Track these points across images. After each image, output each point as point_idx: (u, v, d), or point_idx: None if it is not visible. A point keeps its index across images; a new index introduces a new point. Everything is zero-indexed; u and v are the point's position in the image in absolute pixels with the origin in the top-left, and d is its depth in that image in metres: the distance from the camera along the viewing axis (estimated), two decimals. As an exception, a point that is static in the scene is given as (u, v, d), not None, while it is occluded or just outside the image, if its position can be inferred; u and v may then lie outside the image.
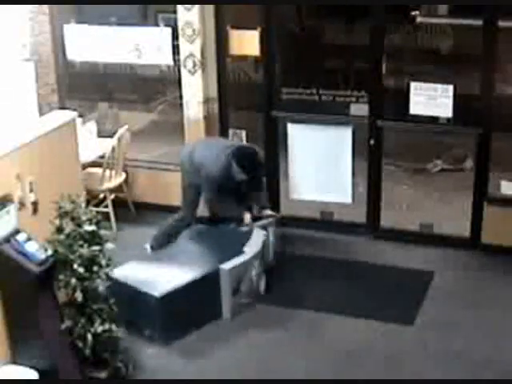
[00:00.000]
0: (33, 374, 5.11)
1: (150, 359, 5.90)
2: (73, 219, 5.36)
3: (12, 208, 5.27)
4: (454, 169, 8.72)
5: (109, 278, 5.62)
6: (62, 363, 5.28)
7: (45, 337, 5.23)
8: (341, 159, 7.49)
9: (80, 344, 5.34)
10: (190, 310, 6.10)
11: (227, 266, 6.27)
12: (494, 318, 6.30)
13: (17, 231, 5.26)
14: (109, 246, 5.49)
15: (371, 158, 7.46)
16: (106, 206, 7.68)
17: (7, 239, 5.19)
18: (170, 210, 8.04)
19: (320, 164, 7.62)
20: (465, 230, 7.35)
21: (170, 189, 8.08)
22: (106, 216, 7.40)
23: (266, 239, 6.71)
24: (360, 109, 7.31)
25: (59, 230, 5.35)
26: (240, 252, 6.45)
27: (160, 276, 6.27)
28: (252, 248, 6.53)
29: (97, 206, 7.60)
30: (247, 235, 6.67)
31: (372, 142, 7.38)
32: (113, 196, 7.91)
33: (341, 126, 7.43)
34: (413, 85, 7.14)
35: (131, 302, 6.05)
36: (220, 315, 6.33)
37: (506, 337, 6.07)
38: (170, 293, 6.01)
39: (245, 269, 6.38)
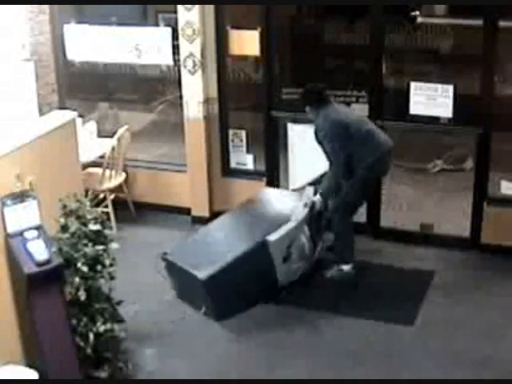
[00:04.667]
0: (33, 374, 5.11)
1: (149, 359, 5.90)
2: (78, 218, 5.37)
3: (32, 203, 5.27)
4: (454, 169, 8.72)
5: (164, 259, 5.97)
6: (60, 364, 5.28)
7: (40, 337, 5.22)
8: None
9: (81, 343, 5.35)
10: (242, 284, 6.22)
11: (273, 236, 6.35)
12: (493, 318, 6.30)
13: (37, 227, 5.26)
14: (113, 245, 5.50)
15: None
16: (106, 206, 7.68)
17: (20, 233, 5.20)
18: (169, 209, 8.08)
19: (321, 163, 7.61)
20: (465, 230, 7.35)
21: (170, 189, 8.10)
22: (106, 216, 7.39)
23: (314, 203, 6.67)
24: (360, 109, 7.29)
25: (64, 228, 5.36)
26: (287, 220, 6.51)
27: (207, 256, 6.36)
28: (297, 214, 6.57)
29: (97, 205, 7.60)
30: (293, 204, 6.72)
31: None
32: (113, 196, 7.92)
33: None
34: (413, 85, 7.15)
35: (185, 282, 6.36)
36: (276, 283, 6.46)
37: (505, 337, 6.07)
38: (216, 273, 6.12)
39: (293, 235, 6.47)
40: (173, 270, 6.57)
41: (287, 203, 6.86)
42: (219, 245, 6.58)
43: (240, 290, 6.27)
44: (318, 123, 6.54)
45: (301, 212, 6.61)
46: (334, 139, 6.46)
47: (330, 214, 6.71)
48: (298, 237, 6.54)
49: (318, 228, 6.78)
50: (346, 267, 6.77)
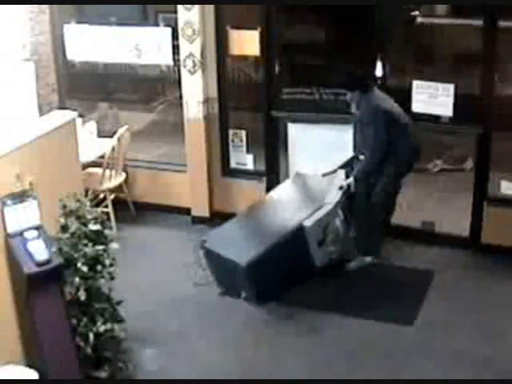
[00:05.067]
0: (33, 374, 5.11)
1: (149, 359, 5.90)
2: (78, 218, 5.37)
3: (32, 203, 5.27)
4: (454, 169, 8.72)
5: (202, 246, 6.35)
6: (60, 364, 5.28)
7: (40, 337, 5.22)
8: (342, 157, 7.49)
9: (82, 343, 5.35)
10: (280, 269, 6.38)
11: (309, 221, 6.51)
12: (494, 318, 6.30)
13: (37, 227, 5.26)
14: (113, 245, 5.50)
15: None
16: (106, 206, 7.68)
17: (20, 233, 5.20)
18: (169, 209, 8.08)
19: (321, 162, 7.62)
20: (465, 230, 7.35)
21: (170, 189, 8.10)
22: (106, 216, 7.38)
23: (346, 189, 6.81)
24: None
25: (64, 228, 5.36)
26: (321, 205, 6.68)
27: (246, 243, 6.57)
28: (332, 199, 6.72)
29: (97, 205, 7.60)
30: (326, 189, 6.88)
31: None
32: (113, 196, 7.92)
33: (342, 125, 7.42)
34: (415, 83, 7.16)
35: (224, 268, 6.54)
36: (312, 267, 6.61)
37: (506, 337, 6.07)
38: (256, 259, 6.30)
39: (328, 220, 6.61)
40: (212, 257, 6.73)
41: (320, 187, 6.98)
42: (256, 231, 6.77)
43: (278, 274, 6.42)
44: (361, 107, 6.70)
45: (335, 196, 6.74)
46: (378, 124, 6.58)
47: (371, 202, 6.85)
48: (332, 221, 6.68)
49: (350, 211, 6.91)
50: (368, 259, 7.01)
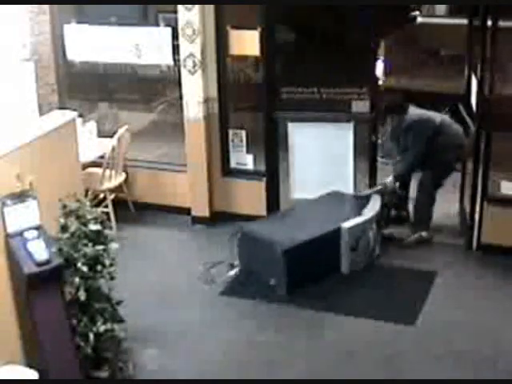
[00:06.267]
0: (33, 374, 5.10)
1: (150, 359, 5.90)
2: (78, 218, 5.37)
3: (32, 203, 5.27)
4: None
5: (240, 231, 6.79)
6: (60, 364, 5.28)
7: (40, 337, 5.22)
8: (343, 156, 7.57)
9: (82, 343, 5.35)
10: (311, 263, 6.68)
11: (347, 224, 6.86)
12: (494, 318, 6.30)
13: (36, 227, 5.26)
14: (113, 245, 5.50)
15: (373, 155, 7.58)
16: (106, 206, 7.68)
17: (20, 233, 5.20)
18: (169, 209, 8.07)
19: (322, 162, 7.66)
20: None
21: (169, 189, 8.10)
22: (106, 216, 7.39)
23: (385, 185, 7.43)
24: (362, 105, 7.38)
25: (64, 228, 5.36)
26: (359, 214, 7.07)
27: (286, 232, 6.83)
28: (370, 211, 7.13)
29: (97, 205, 7.59)
30: (365, 199, 7.33)
31: (373, 138, 7.47)
32: (113, 196, 7.92)
33: (342, 124, 7.49)
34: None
35: (258, 254, 6.82)
36: (338, 270, 6.90)
37: (506, 337, 6.07)
38: (295, 247, 6.60)
39: (363, 229, 6.96)
40: (247, 242, 6.97)
41: (359, 203, 7.37)
42: (295, 225, 7.01)
43: (308, 268, 6.69)
44: (402, 123, 7.39)
45: (372, 210, 7.16)
46: (415, 133, 7.31)
47: (422, 185, 7.49)
48: (366, 231, 6.99)
49: (383, 223, 7.41)
50: (424, 233, 7.45)
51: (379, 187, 7.46)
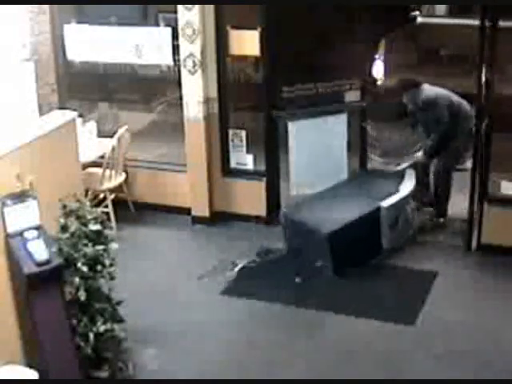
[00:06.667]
0: (33, 374, 5.11)
1: (150, 359, 5.90)
2: (78, 218, 5.37)
3: (32, 203, 5.27)
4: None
5: (284, 216, 7.08)
6: (60, 364, 5.28)
7: (40, 337, 5.22)
8: (340, 147, 7.81)
9: (82, 343, 5.35)
10: (355, 243, 6.85)
11: (386, 203, 7.08)
12: (494, 318, 6.30)
13: (36, 227, 5.26)
14: (113, 245, 5.50)
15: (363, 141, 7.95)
16: (106, 206, 7.68)
17: (20, 233, 5.21)
18: (169, 209, 8.07)
19: (321, 156, 7.81)
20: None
21: (169, 189, 8.10)
22: (106, 216, 7.39)
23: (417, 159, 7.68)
24: (354, 95, 7.73)
25: (64, 228, 5.35)
26: (397, 191, 7.28)
27: (328, 214, 7.03)
28: (407, 187, 7.34)
29: (97, 205, 7.60)
30: (400, 175, 7.57)
31: (364, 124, 7.76)
32: (113, 196, 7.91)
33: (338, 115, 7.74)
34: None
35: (304, 237, 7.03)
36: (380, 247, 7.10)
37: (506, 337, 6.07)
38: (339, 229, 6.82)
39: (401, 206, 7.17)
40: (292, 225, 7.20)
41: (394, 179, 7.60)
42: (337, 207, 7.21)
43: (353, 248, 6.87)
44: (417, 100, 7.58)
45: (409, 186, 7.37)
46: (439, 109, 7.49)
47: (439, 173, 7.66)
48: (405, 207, 7.23)
49: (421, 200, 7.65)
50: (441, 219, 7.72)
51: (411, 162, 7.69)
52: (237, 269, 7.04)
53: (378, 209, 7.05)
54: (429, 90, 7.66)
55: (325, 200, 7.41)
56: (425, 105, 7.57)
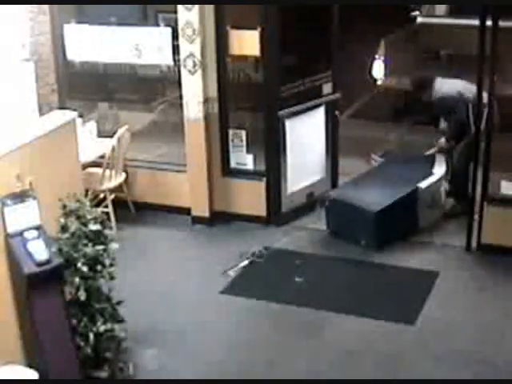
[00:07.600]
0: (33, 374, 5.11)
1: (150, 359, 5.90)
2: (78, 218, 5.37)
3: (32, 203, 5.27)
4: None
5: (328, 198, 7.57)
6: (60, 364, 5.28)
7: (40, 337, 5.22)
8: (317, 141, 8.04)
9: (82, 343, 5.35)
10: (396, 222, 7.35)
11: (424, 184, 7.58)
12: (494, 318, 6.30)
13: (36, 227, 5.26)
14: (113, 245, 5.50)
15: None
16: (106, 206, 7.68)
17: (20, 233, 5.20)
18: (169, 209, 8.07)
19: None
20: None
21: (170, 189, 8.09)
22: (106, 216, 7.39)
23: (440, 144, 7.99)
24: (328, 87, 7.95)
25: (64, 228, 5.35)
26: (430, 173, 7.74)
27: (373, 196, 7.50)
28: (440, 168, 7.81)
29: (97, 205, 7.59)
30: (431, 159, 7.97)
31: (337, 112, 7.99)
32: (113, 196, 7.91)
33: (315, 109, 7.96)
34: None
35: (349, 217, 7.46)
36: (417, 225, 7.55)
37: (505, 337, 6.07)
38: (384, 208, 7.25)
39: (436, 186, 7.69)
40: (336, 207, 7.59)
41: (427, 162, 7.99)
42: (380, 189, 7.67)
43: (393, 227, 7.36)
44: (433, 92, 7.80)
45: (441, 169, 7.80)
46: (456, 96, 7.71)
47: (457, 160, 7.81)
48: (439, 188, 7.74)
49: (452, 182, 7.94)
50: (459, 207, 7.83)
51: (437, 148, 7.98)
52: (247, 261, 7.15)
53: (416, 190, 7.48)
54: (444, 81, 7.88)
55: (366, 183, 7.87)
56: (444, 97, 7.76)
